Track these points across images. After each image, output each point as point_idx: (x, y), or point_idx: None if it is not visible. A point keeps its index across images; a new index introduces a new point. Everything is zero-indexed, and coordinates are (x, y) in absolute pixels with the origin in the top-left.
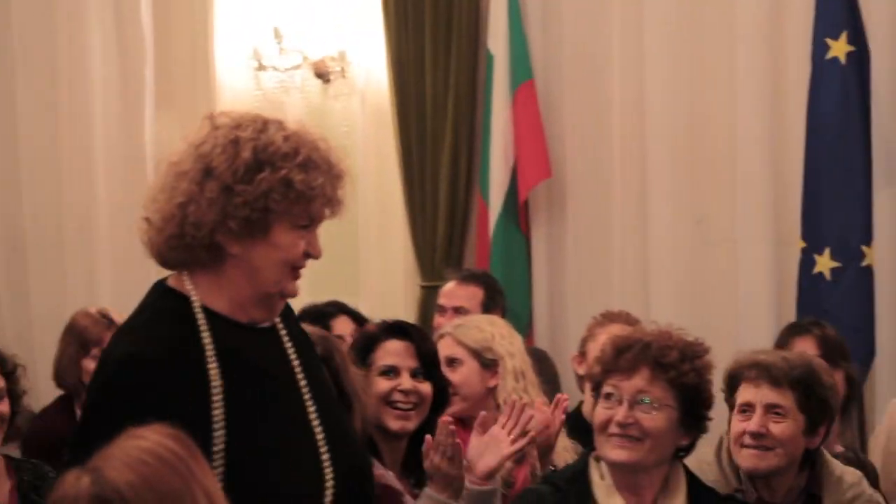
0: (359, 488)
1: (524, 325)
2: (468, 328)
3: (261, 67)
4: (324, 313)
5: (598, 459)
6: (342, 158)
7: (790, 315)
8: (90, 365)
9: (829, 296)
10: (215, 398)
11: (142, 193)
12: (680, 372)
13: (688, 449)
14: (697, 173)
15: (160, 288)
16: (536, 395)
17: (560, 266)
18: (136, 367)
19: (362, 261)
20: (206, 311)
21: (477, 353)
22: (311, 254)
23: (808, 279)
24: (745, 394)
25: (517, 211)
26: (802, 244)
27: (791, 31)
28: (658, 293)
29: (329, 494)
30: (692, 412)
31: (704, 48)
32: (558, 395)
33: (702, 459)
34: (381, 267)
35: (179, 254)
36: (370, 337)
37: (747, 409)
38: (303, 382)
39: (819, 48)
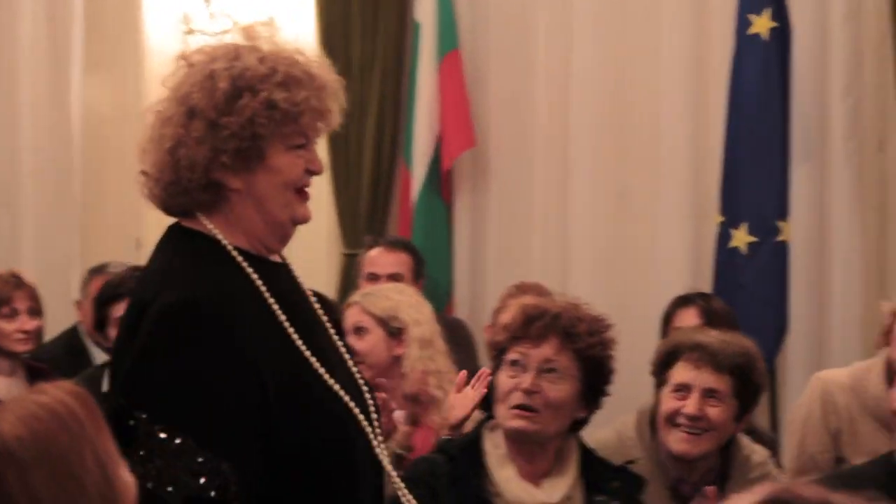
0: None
1: (445, 294)
2: (375, 296)
3: (190, 31)
4: None
5: (492, 429)
6: (325, 68)
7: (707, 289)
8: (1, 325)
9: (744, 270)
10: (291, 332)
11: (68, 155)
12: (588, 344)
13: (583, 423)
14: (620, 147)
15: (177, 230)
16: (444, 364)
17: (481, 236)
18: (193, 309)
19: None
20: (235, 248)
21: (383, 322)
22: (313, 170)
23: (724, 253)
24: (682, 374)
25: (440, 180)
26: (720, 218)
27: (715, 6)
28: (578, 265)
29: (374, 417)
30: (594, 385)
31: (630, 22)
32: (482, 370)
33: (624, 435)
34: (304, 234)
35: (181, 199)
36: None
37: (682, 389)
38: (321, 313)
39: (742, 24)
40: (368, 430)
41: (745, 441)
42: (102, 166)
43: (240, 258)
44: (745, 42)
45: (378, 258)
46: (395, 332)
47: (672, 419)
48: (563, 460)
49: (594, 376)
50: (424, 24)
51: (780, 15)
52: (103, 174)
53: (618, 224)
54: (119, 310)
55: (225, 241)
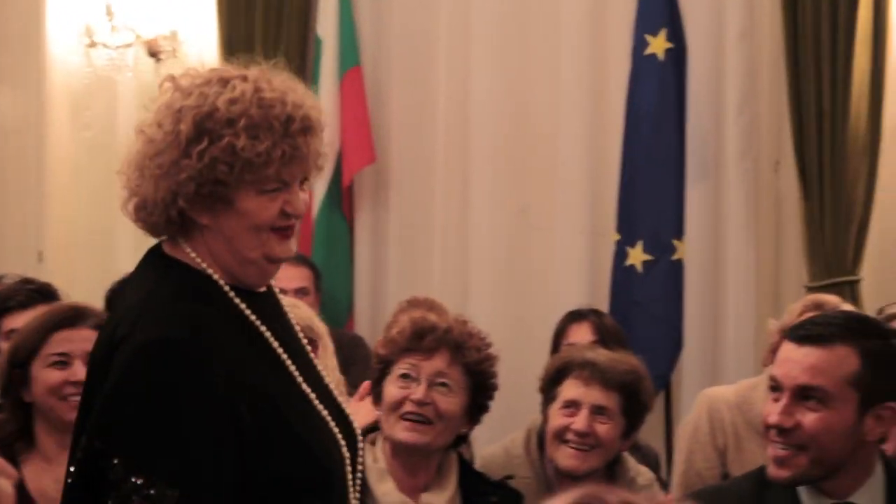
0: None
1: (345, 310)
2: (291, 306)
3: (92, 44)
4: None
5: (372, 443)
6: (311, 108)
7: (603, 307)
8: None
9: (640, 288)
10: (285, 359)
11: None
12: (476, 359)
13: (464, 438)
14: (519, 163)
15: (158, 256)
16: (339, 380)
17: (382, 252)
18: (173, 349)
19: None
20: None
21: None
22: (289, 213)
23: (620, 271)
24: (572, 391)
25: (341, 196)
26: (617, 236)
27: (613, 26)
28: (478, 281)
29: (346, 452)
30: (478, 401)
31: (529, 40)
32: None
33: (511, 452)
34: None
35: (149, 227)
36: None
37: (571, 405)
38: (305, 342)
39: (639, 44)
40: (348, 458)
41: (631, 462)
42: (4, 178)
43: (228, 290)
44: (641, 62)
45: (282, 273)
46: (311, 342)
47: (560, 435)
48: (443, 474)
49: (480, 391)
50: (326, 40)
51: (676, 35)
52: (5, 186)
53: (517, 240)
54: (9, 323)
55: (211, 273)
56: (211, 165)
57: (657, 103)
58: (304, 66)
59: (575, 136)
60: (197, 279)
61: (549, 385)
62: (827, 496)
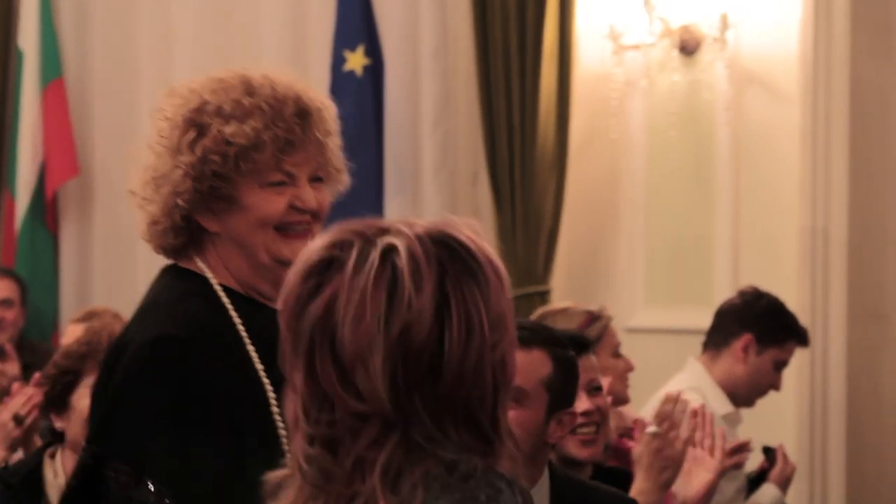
0: None
1: (50, 323)
2: None
3: None
4: None
5: (53, 456)
6: (304, 94)
7: None
8: None
9: None
10: (263, 376)
11: None
12: None
13: None
14: None
15: (171, 270)
16: None
17: (88, 264)
18: (170, 346)
19: None
20: (224, 288)
21: None
22: (299, 207)
23: None
24: None
25: (45, 208)
26: None
27: (313, 42)
28: None
29: None
30: None
31: (231, 54)
32: None
33: None
34: None
35: (162, 240)
36: None
37: None
38: None
39: (337, 60)
40: None
41: None
42: None
43: (223, 295)
44: (340, 78)
45: None
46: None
47: None
48: None
49: None
50: (28, 51)
51: (374, 51)
52: None
53: None
54: None
55: (214, 282)
56: (203, 158)
57: (356, 119)
58: (5, 79)
59: None
60: (201, 286)
61: None
62: None
